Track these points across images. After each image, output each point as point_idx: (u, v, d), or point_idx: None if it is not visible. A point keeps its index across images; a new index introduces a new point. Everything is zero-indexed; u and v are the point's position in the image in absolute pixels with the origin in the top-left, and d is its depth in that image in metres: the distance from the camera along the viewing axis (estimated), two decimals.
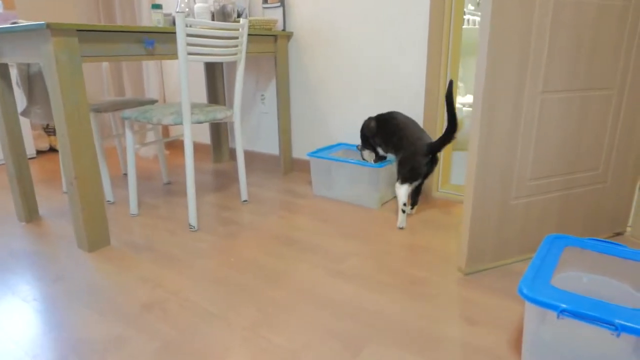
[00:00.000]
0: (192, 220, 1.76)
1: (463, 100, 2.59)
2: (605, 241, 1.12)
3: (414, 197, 1.90)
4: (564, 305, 0.84)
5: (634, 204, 1.64)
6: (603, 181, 1.52)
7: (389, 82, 2.13)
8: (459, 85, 2.60)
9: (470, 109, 2.54)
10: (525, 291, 0.91)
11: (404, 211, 1.78)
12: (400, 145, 1.82)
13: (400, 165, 1.81)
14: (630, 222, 1.67)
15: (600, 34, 1.32)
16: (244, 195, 2.07)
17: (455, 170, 2.36)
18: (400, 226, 1.78)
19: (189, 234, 1.73)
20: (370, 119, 2.02)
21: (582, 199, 1.50)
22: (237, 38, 1.80)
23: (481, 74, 1.22)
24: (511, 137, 1.30)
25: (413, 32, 2.00)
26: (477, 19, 3.38)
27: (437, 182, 2.12)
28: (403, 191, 1.78)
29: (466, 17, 3.12)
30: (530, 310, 0.94)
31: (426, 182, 1.97)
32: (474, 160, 1.28)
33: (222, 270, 1.45)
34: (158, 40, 1.68)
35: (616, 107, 1.44)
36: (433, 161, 1.78)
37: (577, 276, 1.12)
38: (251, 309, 1.23)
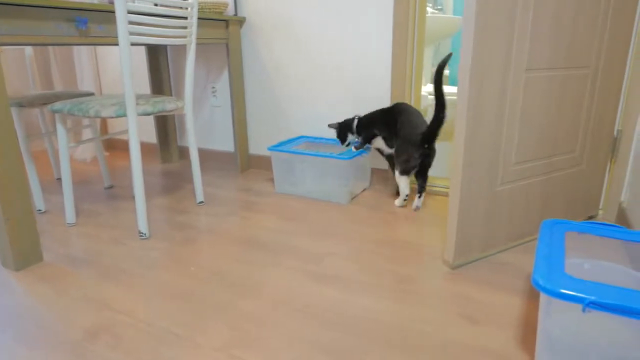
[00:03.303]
0: (142, 226, 1.53)
1: (425, 89, 2.53)
2: (603, 224, 1.06)
3: (421, 184, 1.80)
4: (591, 297, 0.75)
5: (605, 186, 1.63)
6: (579, 164, 1.49)
7: (352, 70, 2.01)
8: None
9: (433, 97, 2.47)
10: (542, 283, 0.81)
11: (405, 199, 1.81)
12: (397, 134, 1.74)
13: (397, 155, 1.74)
14: (601, 205, 1.66)
15: (579, 9, 1.27)
16: (200, 196, 1.87)
17: None
18: (398, 205, 1.82)
19: (139, 243, 1.51)
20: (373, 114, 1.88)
21: (561, 183, 1.46)
22: (186, 18, 1.60)
23: (467, 52, 1.11)
24: (498, 119, 1.22)
25: (377, 17, 1.89)
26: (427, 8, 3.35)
27: None
28: (403, 183, 1.76)
29: None
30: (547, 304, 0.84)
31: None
32: (462, 145, 1.18)
33: (182, 282, 1.26)
34: (92, 20, 1.44)
35: (592, 87, 1.41)
36: (430, 151, 1.71)
37: (578, 263, 1.05)
38: (221, 325, 1.05)
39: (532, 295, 1.16)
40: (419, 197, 1.78)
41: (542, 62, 1.25)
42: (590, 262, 1.04)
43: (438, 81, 1.61)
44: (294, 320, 1.07)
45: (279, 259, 1.38)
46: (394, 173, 1.83)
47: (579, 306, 0.78)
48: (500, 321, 1.05)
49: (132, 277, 1.28)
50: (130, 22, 1.36)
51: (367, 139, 1.86)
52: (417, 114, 1.76)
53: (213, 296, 1.18)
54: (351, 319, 1.07)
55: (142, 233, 1.54)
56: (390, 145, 1.82)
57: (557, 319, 0.86)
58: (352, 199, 1.90)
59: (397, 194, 1.88)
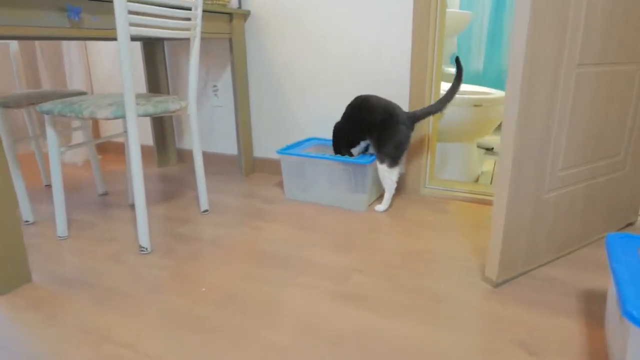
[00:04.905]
0: (143, 240, 1.38)
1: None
2: None
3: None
4: None
5: None
6: (622, 168, 1.37)
7: (366, 67, 1.87)
8: None
9: None
10: (638, 316, 0.68)
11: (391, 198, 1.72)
12: (375, 120, 1.62)
13: (384, 144, 1.60)
14: None
15: (631, 1, 1.15)
16: (204, 204, 1.72)
17: (438, 163, 2.16)
18: (382, 210, 1.70)
19: (140, 259, 1.36)
20: (338, 123, 1.81)
21: (604, 189, 1.34)
22: (190, 9, 1.45)
23: (520, 47, 0.98)
24: (547, 120, 1.09)
25: (395, 9, 1.76)
26: None
27: (425, 178, 1.89)
28: (394, 176, 1.65)
29: None
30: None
31: (413, 178, 1.84)
32: (510, 150, 1.04)
33: (192, 306, 1.11)
34: (86, 10, 1.29)
35: (639, 84, 1.29)
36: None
37: None
38: (244, 359, 0.91)
39: (590, 316, 1.03)
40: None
41: (593, 57, 1.12)
42: None
43: (459, 74, 1.58)
44: (324, 351, 0.93)
45: (299, 277, 1.23)
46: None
47: None
48: (559, 350, 0.92)
49: (134, 301, 1.13)
50: (130, 12, 1.21)
51: (355, 146, 1.77)
52: (378, 97, 1.68)
53: (230, 323, 1.03)
54: (388, 346, 0.93)
55: (143, 248, 1.38)
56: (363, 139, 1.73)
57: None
58: (369, 205, 1.77)
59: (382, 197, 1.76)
